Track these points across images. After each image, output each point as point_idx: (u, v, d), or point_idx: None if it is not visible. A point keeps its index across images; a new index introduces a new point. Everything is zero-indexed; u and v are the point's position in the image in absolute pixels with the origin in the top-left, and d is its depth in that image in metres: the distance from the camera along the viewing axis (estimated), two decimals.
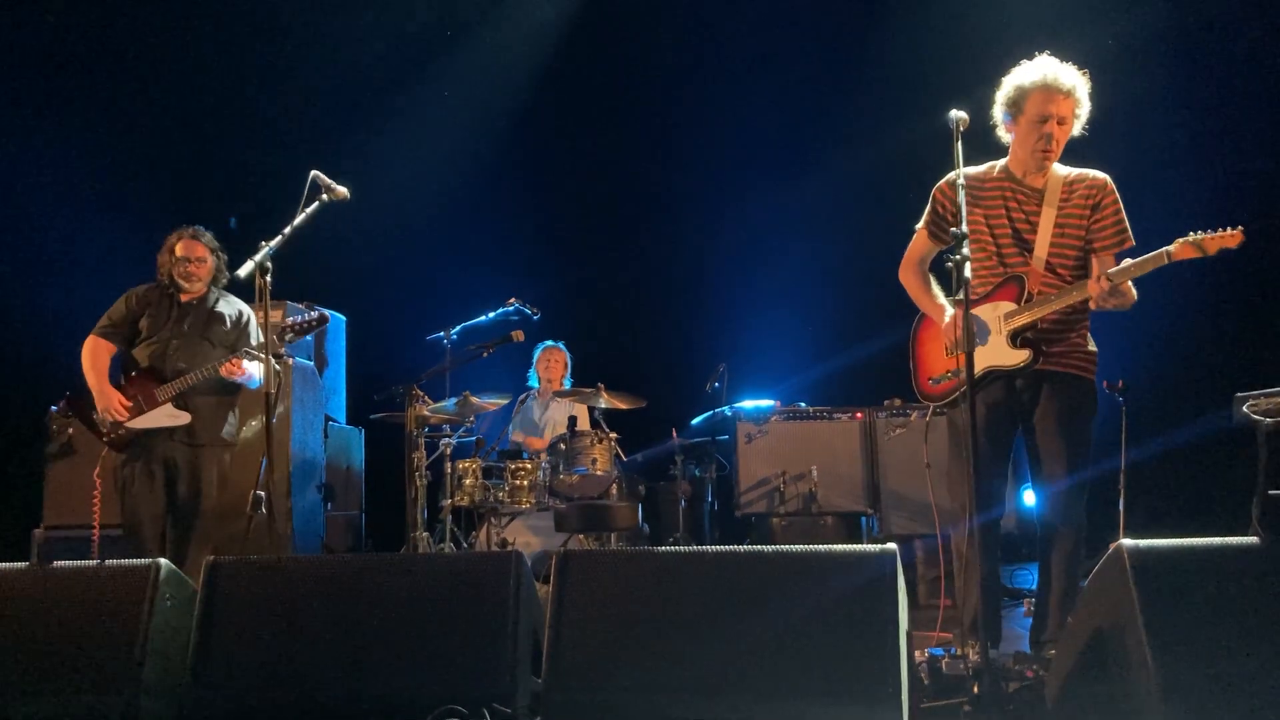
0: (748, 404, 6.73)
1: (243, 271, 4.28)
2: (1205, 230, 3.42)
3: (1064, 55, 3.73)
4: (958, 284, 3.20)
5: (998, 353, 3.68)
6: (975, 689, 2.89)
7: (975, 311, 3.75)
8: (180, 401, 4.82)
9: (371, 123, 8.29)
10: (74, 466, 5.90)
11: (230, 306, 5.12)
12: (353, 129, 8.19)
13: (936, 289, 3.96)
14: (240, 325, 5.08)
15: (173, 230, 5.09)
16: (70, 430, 5.92)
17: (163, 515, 4.83)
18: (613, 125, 8.44)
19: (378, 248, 8.07)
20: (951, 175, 3.87)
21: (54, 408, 6.00)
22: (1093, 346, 3.78)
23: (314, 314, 4.88)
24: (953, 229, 3.33)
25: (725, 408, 6.75)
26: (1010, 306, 3.69)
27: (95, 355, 4.92)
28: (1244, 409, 5.22)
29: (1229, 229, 3.40)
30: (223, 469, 4.96)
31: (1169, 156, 7.20)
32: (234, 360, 4.78)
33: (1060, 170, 3.77)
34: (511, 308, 6.61)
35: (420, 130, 8.32)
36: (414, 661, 3.00)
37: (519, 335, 6.02)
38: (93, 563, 3.28)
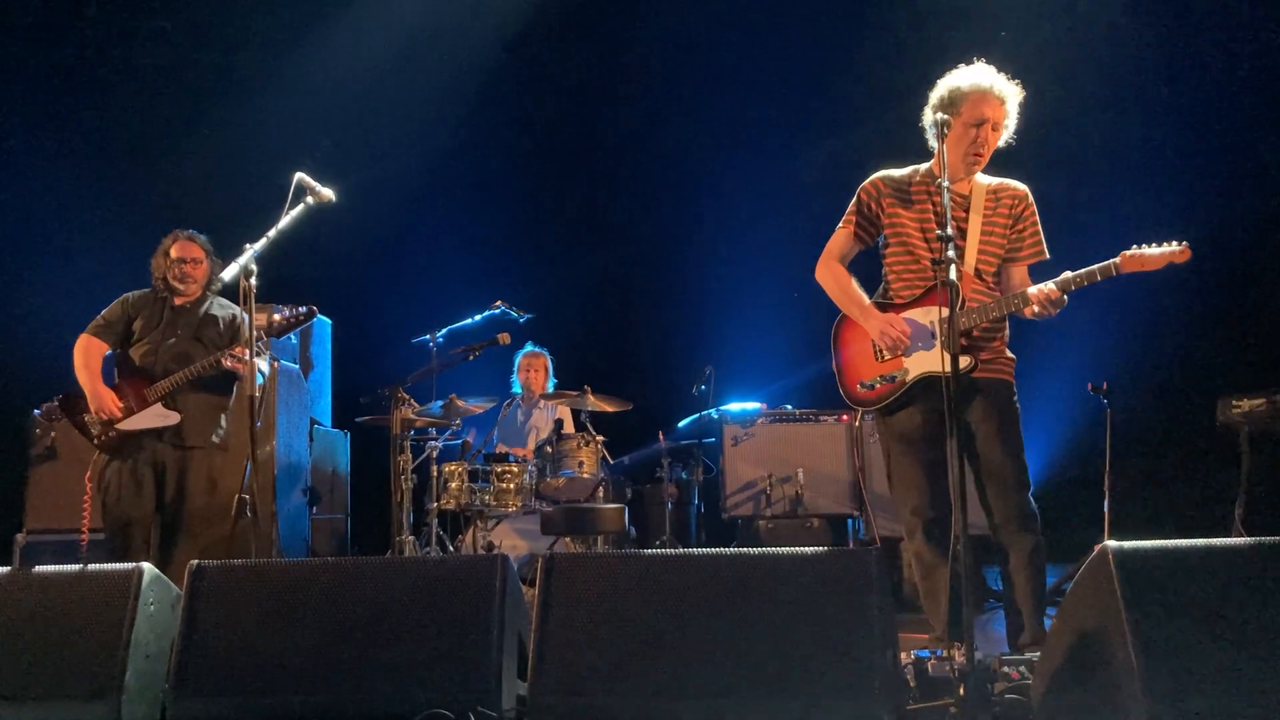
0: (734, 406, 6.74)
1: (227, 274, 4.26)
2: (1151, 244, 3.45)
3: (1022, 55, 3.78)
4: (944, 288, 3.19)
5: (935, 358, 3.65)
6: (961, 691, 2.90)
7: (906, 316, 3.76)
8: (170, 401, 4.80)
9: (356, 125, 8.27)
10: (57, 470, 5.87)
11: (223, 310, 5.09)
12: (337, 131, 8.17)
13: (857, 289, 3.90)
14: (234, 328, 5.05)
15: (166, 233, 5.07)
16: (53, 434, 5.89)
17: (150, 518, 4.80)
18: (599, 127, 8.45)
19: (363, 250, 8.06)
20: (878, 174, 3.88)
21: (37, 411, 5.96)
22: (1011, 355, 3.81)
23: (302, 309, 4.84)
24: (938, 232, 3.32)
25: (712, 410, 6.76)
26: (941, 312, 3.62)
27: (88, 354, 4.88)
28: (1227, 412, 5.27)
29: (1175, 244, 3.43)
30: (212, 472, 4.93)
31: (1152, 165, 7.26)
32: (239, 348, 4.72)
33: (983, 179, 3.78)
34: (498, 310, 6.61)
35: (406, 132, 8.30)
36: (399, 665, 2.99)
37: (505, 338, 6.01)
38: (75, 567, 3.26)
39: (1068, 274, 3.54)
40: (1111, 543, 2.73)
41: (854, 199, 3.91)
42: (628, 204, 8.49)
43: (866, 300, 3.87)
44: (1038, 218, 3.78)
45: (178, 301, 4.99)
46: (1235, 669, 2.54)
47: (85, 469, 4.93)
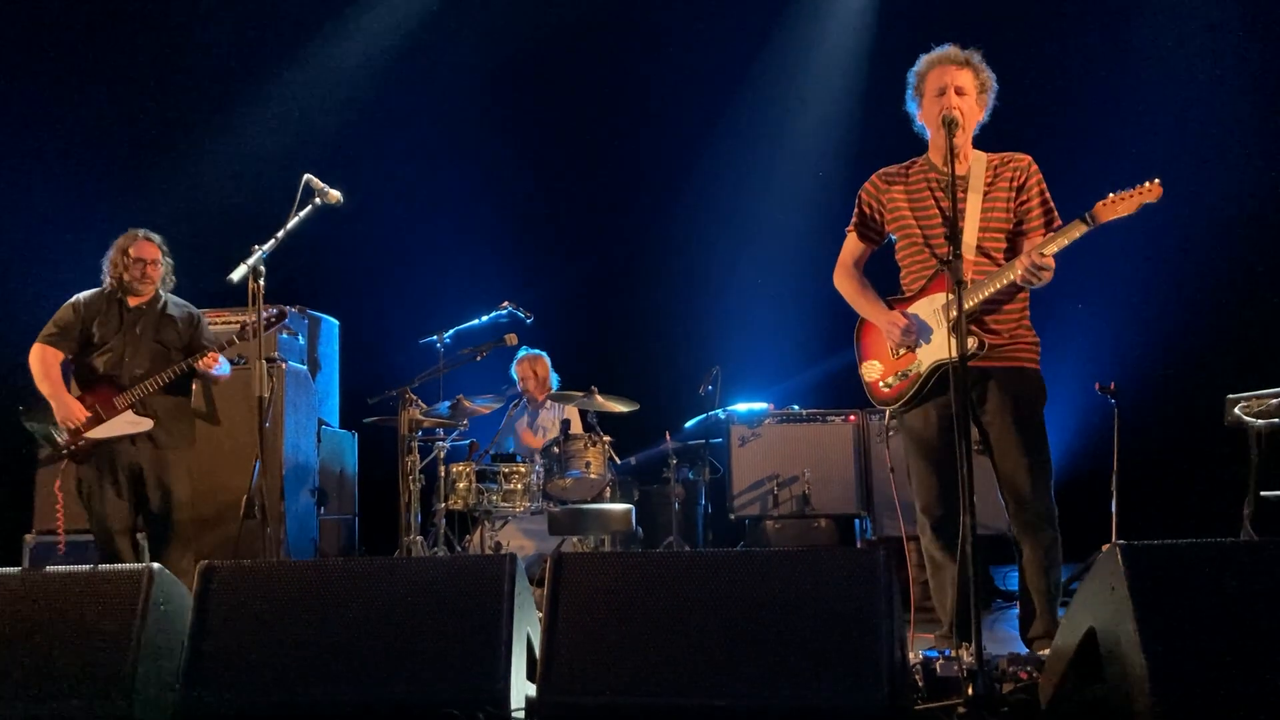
0: (741, 407, 6.73)
1: (236, 275, 4.28)
2: (1122, 190, 3.39)
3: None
4: (951, 286, 3.19)
5: (943, 347, 3.62)
6: (969, 691, 2.89)
7: (913, 309, 3.75)
8: (140, 408, 4.82)
9: (363, 126, 8.28)
10: (63, 471, 5.88)
11: (179, 309, 5.10)
12: (344, 132, 8.18)
13: (870, 290, 3.92)
14: (193, 325, 5.08)
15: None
16: None
17: (131, 524, 4.83)
18: (606, 127, 8.45)
19: (371, 251, 8.07)
20: (876, 173, 3.91)
21: None
22: (1035, 336, 3.75)
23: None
24: (946, 232, 3.31)
25: (719, 410, 6.75)
26: (945, 298, 3.61)
27: (46, 364, 4.85)
28: (1235, 410, 5.26)
29: (1145, 184, 3.37)
30: (189, 468, 4.97)
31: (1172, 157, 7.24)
32: (210, 354, 4.82)
33: (984, 154, 3.77)
34: (505, 311, 6.61)
35: (413, 132, 8.32)
36: (408, 666, 2.99)
37: (512, 338, 6.02)
38: (86, 567, 3.27)
39: (1048, 235, 3.51)
40: (1120, 542, 2.73)
41: (856, 201, 3.94)
42: (635, 204, 8.49)
43: (879, 300, 3.88)
44: (1044, 185, 3.72)
45: (132, 302, 4.98)
46: (1245, 668, 2.54)
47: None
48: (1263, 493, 4.69)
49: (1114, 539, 4.96)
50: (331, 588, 3.14)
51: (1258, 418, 5.02)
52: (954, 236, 3.20)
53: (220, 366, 4.92)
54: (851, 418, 6.51)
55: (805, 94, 8.15)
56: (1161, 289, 6.95)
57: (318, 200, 4.35)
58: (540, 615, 3.01)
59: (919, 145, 3.88)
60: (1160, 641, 2.55)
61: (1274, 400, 4.98)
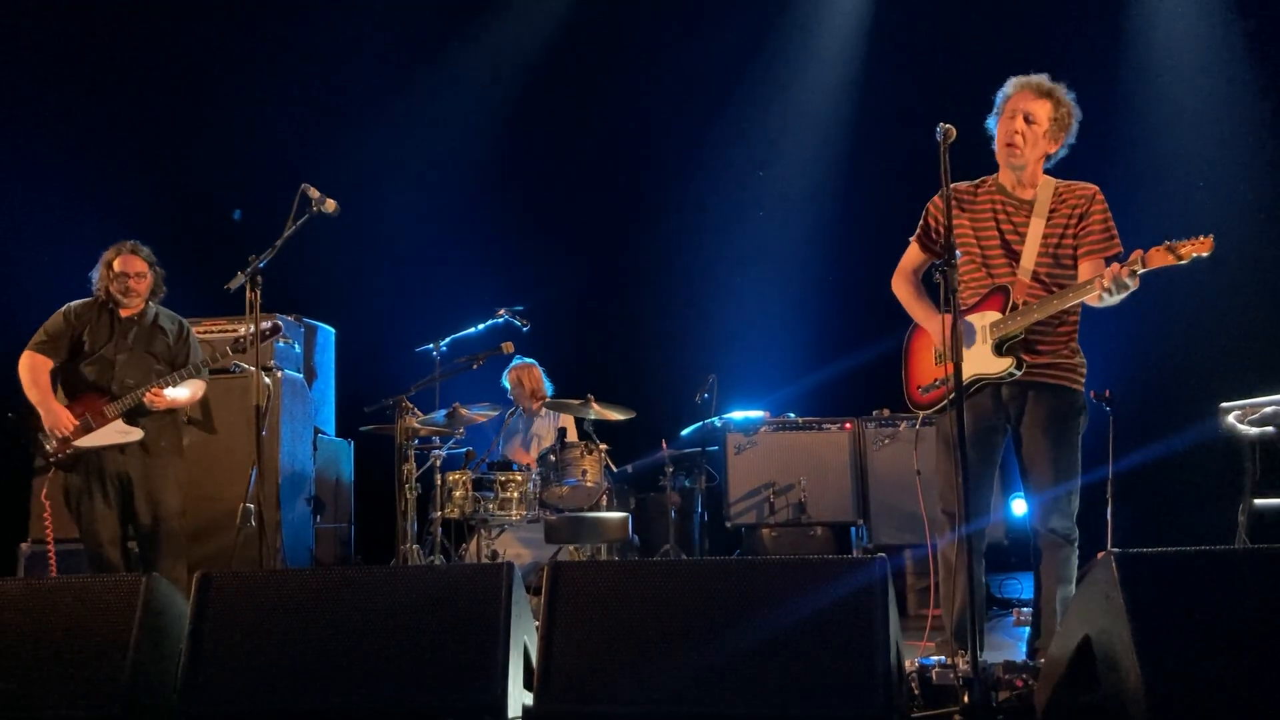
0: (737, 415, 6.74)
1: (233, 284, 4.29)
2: (1178, 238, 3.44)
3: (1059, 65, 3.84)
4: (946, 295, 3.22)
5: (983, 361, 3.74)
6: (965, 698, 2.90)
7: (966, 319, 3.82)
8: (130, 418, 4.82)
9: (360, 134, 8.29)
10: (50, 480, 5.87)
11: (170, 320, 5.11)
12: (341, 140, 8.19)
13: (924, 297, 4.03)
14: (182, 338, 5.09)
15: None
16: None
17: (120, 533, 4.83)
18: (601, 135, 8.46)
19: (367, 260, 8.06)
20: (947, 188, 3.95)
21: None
22: (1081, 358, 3.82)
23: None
24: (941, 242, 3.36)
25: (715, 419, 6.75)
26: (996, 316, 3.74)
27: (36, 371, 4.84)
28: (1229, 419, 5.27)
29: (1201, 236, 3.41)
30: (178, 477, 4.97)
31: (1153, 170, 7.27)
32: (154, 390, 4.80)
33: (1052, 181, 3.83)
34: (501, 319, 6.62)
35: (408, 142, 8.32)
36: (405, 674, 3.00)
37: (509, 346, 6.03)
38: (82, 576, 3.28)
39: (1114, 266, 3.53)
40: (1115, 550, 2.74)
41: (923, 211, 4.02)
42: (631, 211, 8.49)
43: (932, 306, 3.97)
44: (1107, 214, 3.75)
45: (124, 313, 4.98)
46: (1238, 677, 2.55)
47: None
48: (1256, 501, 4.70)
49: (1109, 547, 4.96)
50: (328, 596, 3.14)
51: (1251, 426, 5.03)
52: (950, 246, 3.24)
53: (179, 390, 4.89)
54: (847, 425, 6.52)
55: (804, 105, 8.17)
56: (1156, 297, 6.95)
57: (314, 209, 4.36)
58: (537, 624, 3.02)
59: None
60: (1155, 649, 2.56)
61: (1267, 408, 5.00)
